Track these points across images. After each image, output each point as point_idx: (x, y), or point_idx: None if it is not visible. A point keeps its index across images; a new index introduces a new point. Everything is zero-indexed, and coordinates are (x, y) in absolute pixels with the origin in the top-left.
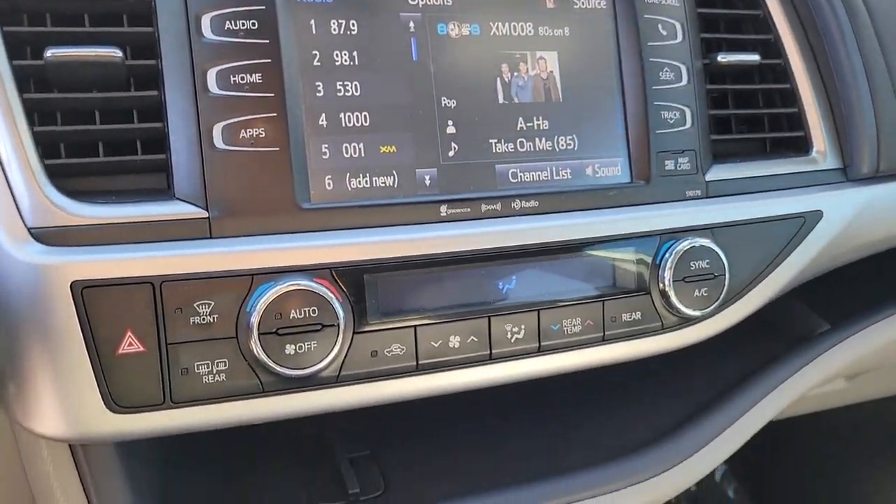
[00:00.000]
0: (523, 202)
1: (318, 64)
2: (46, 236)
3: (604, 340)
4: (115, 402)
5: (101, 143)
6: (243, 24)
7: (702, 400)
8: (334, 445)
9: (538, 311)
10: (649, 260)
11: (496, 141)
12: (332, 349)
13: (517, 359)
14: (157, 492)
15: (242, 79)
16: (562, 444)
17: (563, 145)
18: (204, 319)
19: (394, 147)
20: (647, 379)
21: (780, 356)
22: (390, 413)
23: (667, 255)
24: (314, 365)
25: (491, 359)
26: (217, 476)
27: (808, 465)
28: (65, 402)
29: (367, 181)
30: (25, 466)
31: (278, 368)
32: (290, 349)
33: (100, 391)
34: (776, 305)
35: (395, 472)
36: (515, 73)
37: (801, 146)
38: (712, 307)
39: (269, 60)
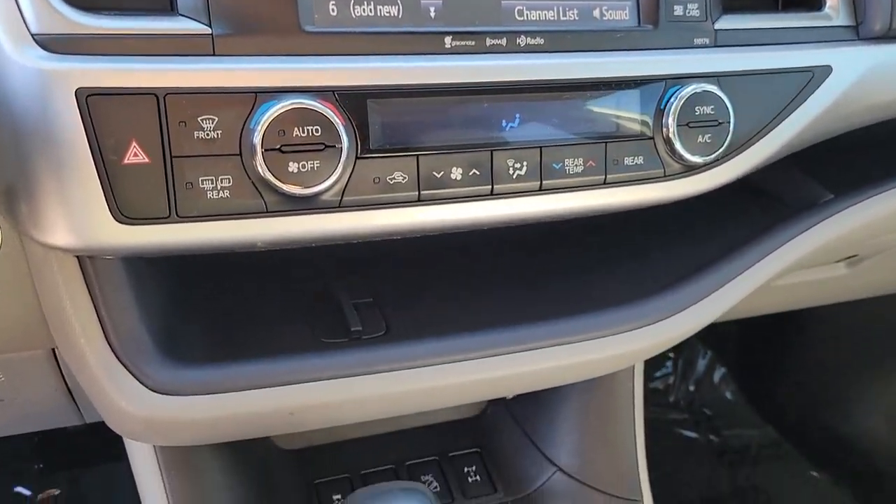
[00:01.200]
0: (529, 39)
1: None
2: (50, 43)
3: (605, 184)
4: (122, 212)
5: None
6: None
7: (700, 261)
8: (338, 295)
9: (540, 147)
10: (654, 104)
11: None
12: (335, 171)
13: (518, 196)
14: (165, 317)
15: None
16: (559, 294)
17: None
18: (208, 135)
19: None
20: (645, 242)
21: (783, 221)
22: (393, 265)
23: (672, 100)
24: (317, 185)
25: (492, 195)
26: (222, 312)
27: (807, 368)
28: (73, 212)
29: (371, 9)
30: (36, 285)
31: (282, 186)
32: (293, 167)
33: (107, 201)
34: (779, 176)
35: (397, 317)
36: None
37: (814, 2)
38: (715, 154)
39: None
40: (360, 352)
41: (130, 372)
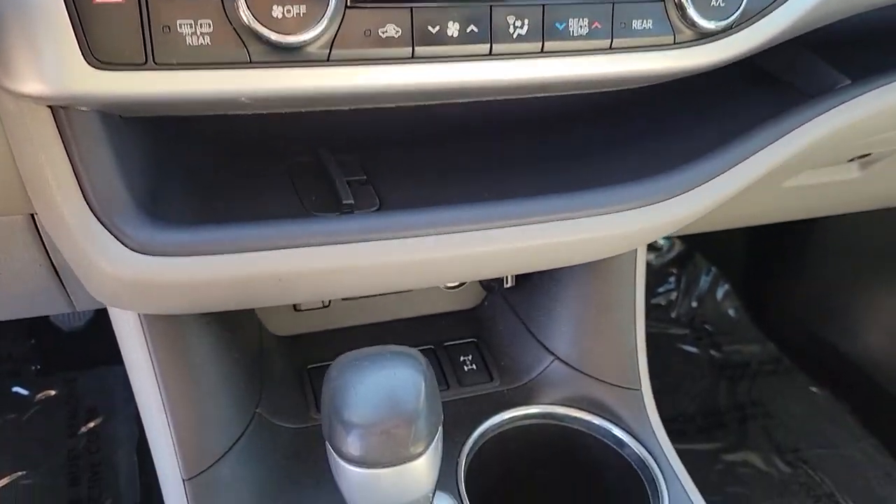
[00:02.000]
0: None
1: None
2: None
3: (611, 49)
4: (95, 55)
5: None
6: None
7: (707, 143)
8: (330, 171)
9: (543, 5)
10: None
11: None
12: (323, 18)
13: (518, 59)
14: (147, 179)
15: None
16: (560, 172)
17: None
18: None
19: None
20: (649, 125)
21: (795, 105)
22: (388, 145)
23: None
24: (304, 33)
25: (491, 55)
26: (208, 180)
27: (811, 285)
28: (43, 56)
29: None
30: (10, 142)
31: (265, 33)
32: (277, 12)
33: (79, 43)
34: (792, 61)
35: (391, 194)
36: None
37: None
38: (729, 20)
39: None
40: (352, 221)
41: (110, 231)
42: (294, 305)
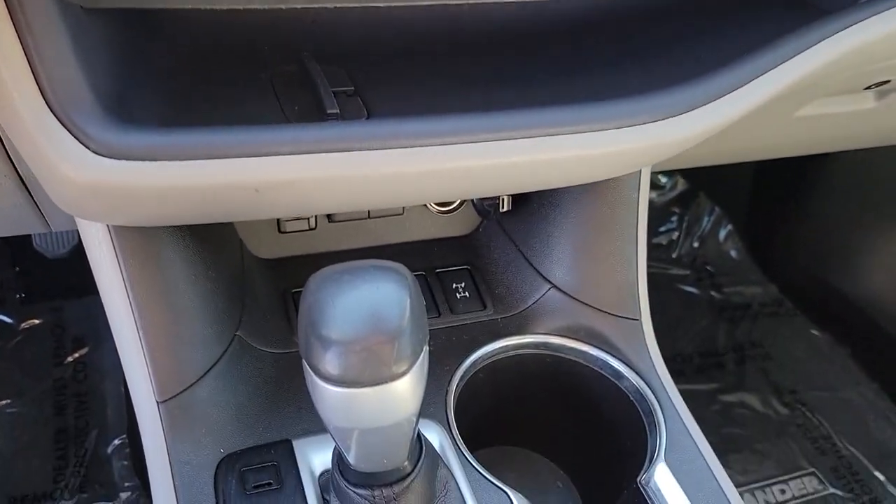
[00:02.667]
0: None
1: None
2: None
3: None
4: None
5: None
6: None
7: (718, 58)
8: (315, 79)
9: None
10: None
11: None
12: None
13: None
14: (112, 78)
15: None
16: (559, 86)
17: None
18: None
19: None
20: (659, 40)
21: (813, 21)
22: (379, 58)
23: None
24: None
25: None
26: (180, 81)
27: (815, 227)
28: None
29: None
30: None
31: None
32: None
33: None
34: None
35: (381, 106)
36: None
37: None
38: None
39: None
40: (336, 128)
41: (69, 131)
42: (278, 227)
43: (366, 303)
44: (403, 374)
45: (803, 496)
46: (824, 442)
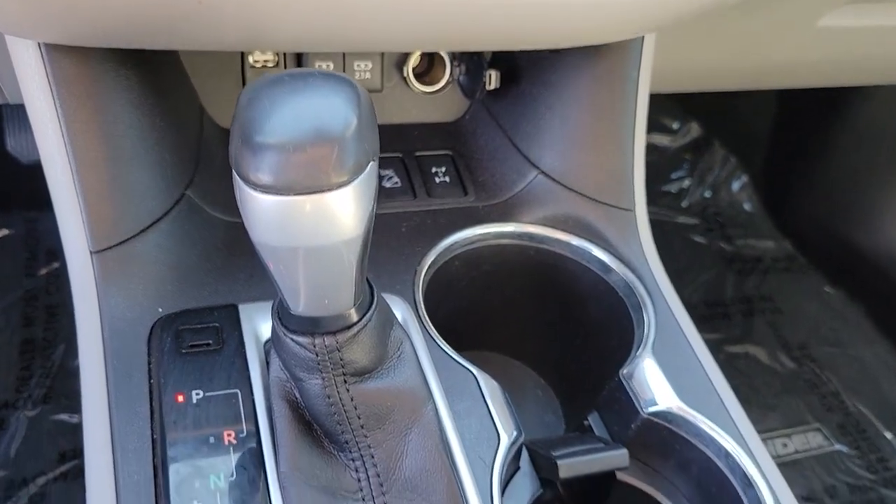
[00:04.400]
0: None
1: None
2: None
3: None
4: None
5: None
6: None
7: None
8: None
9: None
10: None
11: None
12: None
13: None
14: None
15: None
16: None
17: None
18: None
19: None
20: None
21: None
22: None
23: None
24: None
25: None
26: None
27: (834, 179)
28: None
29: None
30: None
31: None
32: None
33: None
34: None
35: None
36: None
37: None
38: None
39: None
40: None
41: None
42: None
43: (308, 106)
44: (344, 184)
45: (806, 451)
46: (832, 398)
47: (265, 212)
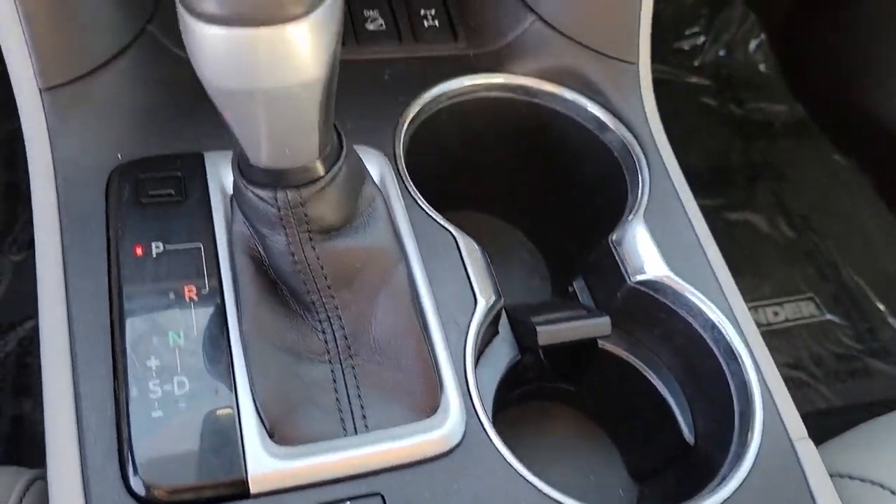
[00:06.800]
0: None
1: None
2: None
3: None
4: None
5: None
6: None
7: None
8: None
9: None
10: None
11: None
12: None
13: None
14: None
15: None
16: None
17: None
18: None
19: None
20: None
21: None
22: None
23: None
24: None
25: None
26: None
27: (855, 43)
28: None
29: None
30: None
31: None
32: None
33: None
34: None
35: None
36: None
37: None
38: None
39: None
40: None
41: None
42: None
43: None
44: (301, 16)
45: (797, 319)
46: (829, 268)
47: (211, 47)
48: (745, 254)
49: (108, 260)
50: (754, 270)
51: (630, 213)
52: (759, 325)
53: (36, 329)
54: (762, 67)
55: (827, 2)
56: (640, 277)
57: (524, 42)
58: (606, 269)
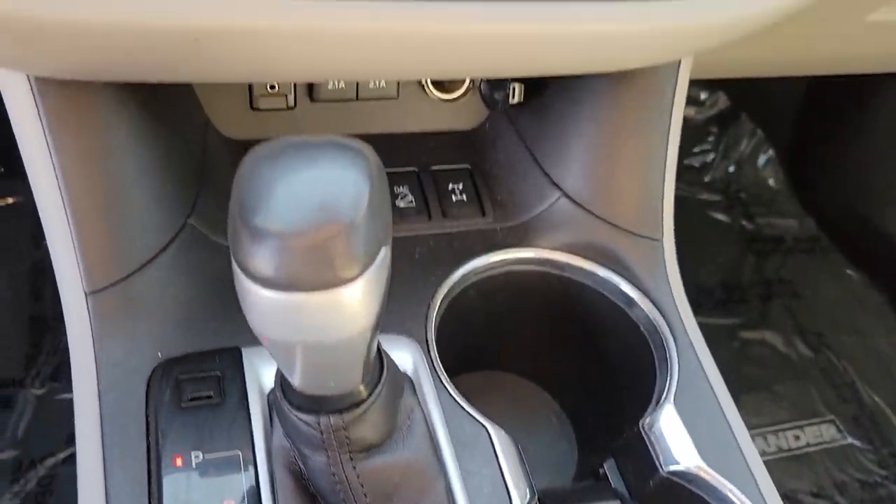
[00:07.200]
0: None
1: None
2: None
3: None
4: None
5: None
6: None
7: None
8: None
9: None
10: None
11: None
12: None
13: None
14: None
15: None
16: None
17: None
18: None
19: None
20: None
21: None
22: None
23: None
24: None
25: None
26: None
27: (864, 159)
28: None
29: None
30: None
31: None
32: None
33: None
34: None
35: None
36: None
37: None
38: None
39: None
40: None
41: None
42: (250, 103)
43: (309, 186)
44: (354, 279)
45: (819, 444)
46: (847, 389)
47: (265, 308)
48: (763, 374)
49: (149, 469)
50: (772, 391)
51: (660, 395)
52: (780, 449)
53: (56, 467)
54: (771, 182)
55: (832, 116)
56: (673, 468)
57: (550, 217)
58: (638, 455)
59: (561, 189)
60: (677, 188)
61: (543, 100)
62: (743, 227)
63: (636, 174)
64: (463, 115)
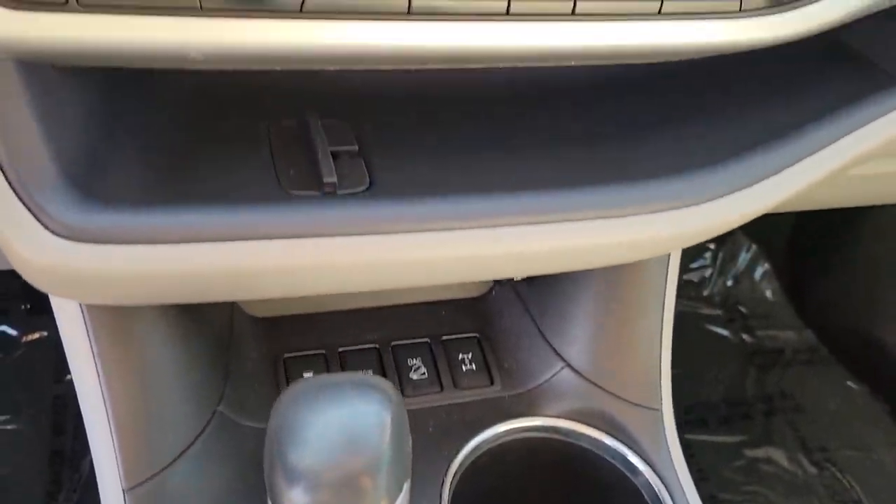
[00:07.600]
0: None
1: None
2: None
3: (660, 15)
4: None
5: None
6: None
7: (769, 132)
8: (314, 142)
9: None
10: None
11: None
12: None
13: (542, 20)
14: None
15: None
16: (584, 161)
17: None
18: None
19: None
20: (702, 107)
21: (878, 90)
22: (389, 112)
23: None
24: None
25: (508, 14)
26: (168, 144)
27: (860, 272)
28: None
29: None
30: None
31: None
32: None
33: None
34: (880, 37)
35: (386, 172)
36: None
37: None
38: None
39: None
40: (333, 207)
41: (29, 209)
42: None
43: (342, 431)
44: None
45: None
46: None
47: None
48: (767, 492)
49: None
50: None
51: None
52: None
53: None
54: (769, 295)
55: (824, 229)
56: None
57: (555, 386)
58: None
59: (564, 360)
60: (677, 304)
61: (547, 277)
62: (743, 340)
63: (634, 348)
64: (471, 285)
